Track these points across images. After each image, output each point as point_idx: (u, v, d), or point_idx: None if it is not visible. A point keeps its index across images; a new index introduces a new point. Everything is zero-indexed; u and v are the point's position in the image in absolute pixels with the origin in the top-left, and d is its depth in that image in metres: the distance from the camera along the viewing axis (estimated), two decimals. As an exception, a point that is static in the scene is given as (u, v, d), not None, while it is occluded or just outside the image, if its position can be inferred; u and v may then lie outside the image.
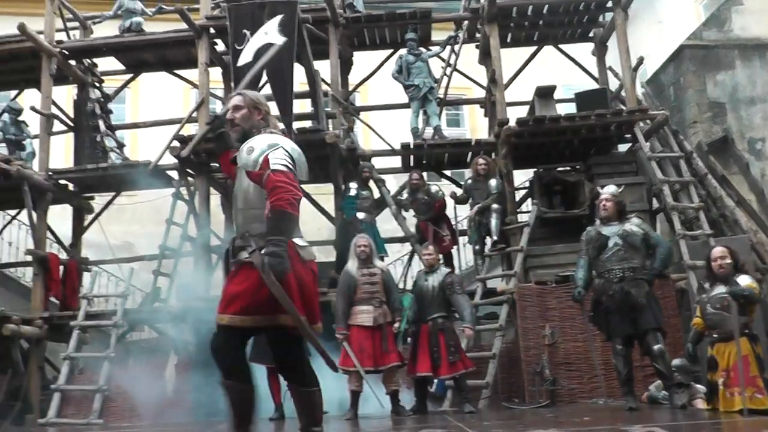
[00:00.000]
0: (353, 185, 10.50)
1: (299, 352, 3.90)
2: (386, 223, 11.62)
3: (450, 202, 11.09)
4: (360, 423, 7.50)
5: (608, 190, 7.32)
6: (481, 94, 13.46)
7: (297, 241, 3.89)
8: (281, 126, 4.30)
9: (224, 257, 4.16)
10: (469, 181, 11.06)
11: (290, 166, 3.87)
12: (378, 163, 11.63)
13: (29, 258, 11.95)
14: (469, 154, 11.74)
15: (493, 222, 10.57)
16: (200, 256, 11.00)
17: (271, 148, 3.86)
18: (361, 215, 10.32)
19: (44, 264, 11.53)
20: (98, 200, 13.07)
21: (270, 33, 10.37)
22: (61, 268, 11.94)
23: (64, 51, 12.40)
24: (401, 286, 10.76)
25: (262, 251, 3.62)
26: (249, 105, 4.07)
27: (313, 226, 12.69)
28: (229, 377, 3.94)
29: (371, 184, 10.91)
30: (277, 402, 8.24)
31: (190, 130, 11.89)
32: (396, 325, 8.16)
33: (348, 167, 11.21)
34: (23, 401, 10.69)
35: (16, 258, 13.57)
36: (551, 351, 9.21)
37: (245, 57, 10.41)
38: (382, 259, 9.22)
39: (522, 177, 12.78)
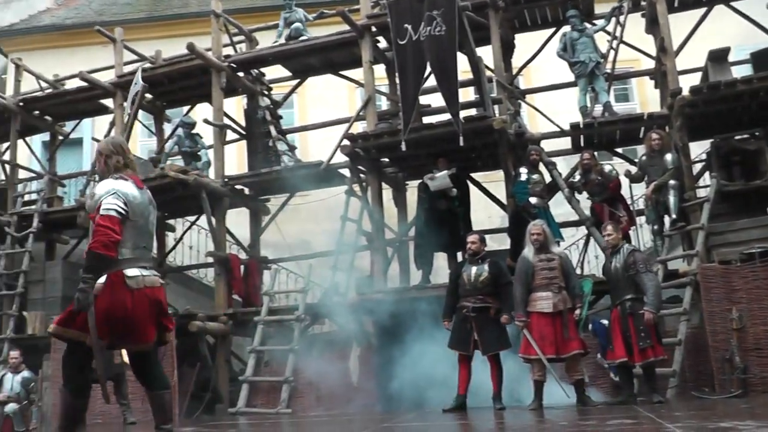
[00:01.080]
0: (523, 170, 10.30)
1: (152, 361, 4.68)
2: (559, 207, 11.35)
3: (624, 182, 10.66)
4: (545, 413, 7.35)
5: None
6: (650, 65, 12.86)
7: (130, 271, 4.47)
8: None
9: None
10: (644, 158, 10.57)
11: (119, 209, 4.43)
12: (547, 145, 11.37)
13: (210, 260, 12.62)
14: (642, 129, 11.25)
15: (671, 199, 10.05)
16: (376, 251, 11.16)
17: (107, 194, 4.46)
18: (533, 200, 10.11)
19: (225, 264, 12.09)
20: (273, 202, 13.59)
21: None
22: (242, 267, 12.51)
23: (232, 64, 12.94)
24: (578, 271, 10.45)
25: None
26: (101, 152, 4.75)
27: (484, 215, 12.60)
28: (66, 386, 4.58)
29: (541, 167, 10.67)
30: (461, 391, 8.19)
31: (357, 128, 12.10)
32: (577, 312, 7.93)
33: (517, 152, 11.03)
34: (213, 392, 11.26)
35: (197, 260, 14.37)
36: (740, 336, 8.57)
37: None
38: (558, 244, 9.01)
39: (698, 149, 12.09)
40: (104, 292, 4.39)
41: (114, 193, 4.47)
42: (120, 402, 9.38)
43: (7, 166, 14.88)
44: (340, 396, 10.23)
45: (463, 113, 10.48)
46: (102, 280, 4.40)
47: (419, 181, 10.81)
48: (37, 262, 14.01)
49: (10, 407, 10.48)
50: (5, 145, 15.18)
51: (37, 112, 15.30)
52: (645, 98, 16.49)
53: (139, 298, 4.48)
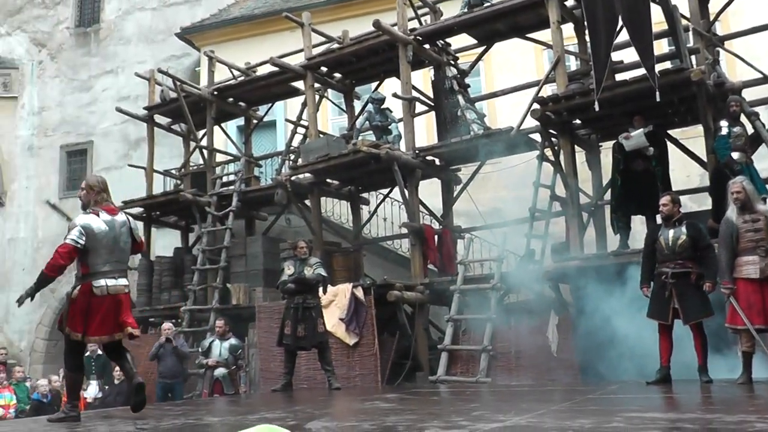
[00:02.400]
0: (724, 123, 9.58)
1: (121, 352, 6.42)
2: (764, 161, 10.49)
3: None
4: (755, 388, 6.85)
5: None
6: None
7: (96, 282, 6.04)
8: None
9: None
10: None
11: (76, 239, 5.96)
12: (748, 94, 10.60)
13: (404, 230, 12.77)
14: None
15: None
16: (570, 216, 10.83)
17: (74, 228, 6.03)
18: (735, 155, 9.41)
19: (420, 235, 12.18)
20: (464, 171, 13.54)
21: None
22: (436, 237, 12.56)
23: (418, 37, 12.92)
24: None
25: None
26: (88, 187, 6.31)
27: (682, 174, 11.93)
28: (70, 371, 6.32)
29: (743, 119, 9.90)
30: (664, 363, 7.78)
31: (547, 91, 11.75)
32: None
33: (716, 105, 10.27)
34: (413, 360, 11.41)
35: (392, 232, 14.59)
36: None
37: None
38: (764, 201, 8.31)
39: None
40: (79, 298, 6.05)
41: (78, 228, 6.00)
42: (324, 368, 9.71)
43: (205, 151, 15.81)
44: (539, 366, 10.08)
45: (658, 67, 9.88)
46: (78, 288, 6.06)
47: (613, 141, 10.35)
48: (237, 238, 14.84)
49: (219, 372, 11.14)
50: (202, 131, 16.13)
51: (231, 99, 16.18)
52: None
53: (102, 302, 6.06)
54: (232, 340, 11.55)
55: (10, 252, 21.10)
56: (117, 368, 12.42)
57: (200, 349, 11.69)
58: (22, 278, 20.27)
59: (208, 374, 11.31)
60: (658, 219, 8.38)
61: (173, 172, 17.37)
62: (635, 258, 8.70)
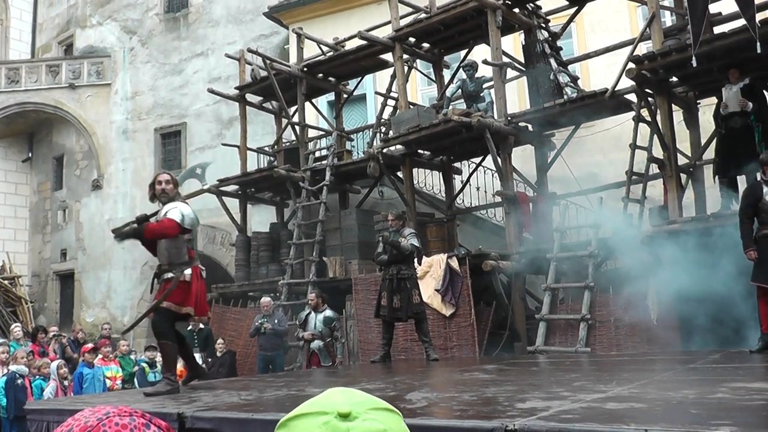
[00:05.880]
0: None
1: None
2: None
3: None
4: None
5: None
6: None
7: (201, 266, 6.75)
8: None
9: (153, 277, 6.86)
10: None
11: (180, 219, 6.40)
12: None
13: (498, 199, 12.63)
14: None
15: None
16: (668, 179, 10.49)
17: (170, 209, 6.48)
18: None
19: (514, 202, 12.03)
20: (558, 136, 13.27)
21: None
22: (530, 204, 12.38)
23: (507, 1, 12.69)
24: None
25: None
26: (173, 182, 6.77)
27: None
28: (161, 339, 6.65)
29: None
30: (765, 330, 7.47)
31: (642, 49, 11.37)
32: None
33: None
34: (510, 330, 11.32)
35: (485, 201, 14.45)
36: None
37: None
38: None
39: None
40: (193, 279, 6.53)
41: (179, 210, 6.45)
42: (422, 339, 9.74)
43: (297, 128, 15.97)
44: (639, 334, 9.85)
45: (758, 16, 9.40)
46: (188, 271, 6.52)
47: (711, 98, 9.94)
48: (332, 211, 15.00)
49: (316, 344, 11.31)
50: (293, 108, 16.29)
51: (320, 75, 16.25)
52: None
53: (203, 285, 6.74)
54: (327, 312, 11.70)
55: (108, 232, 21.93)
56: (219, 341, 12.82)
57: (297, 322, 11.90)
58: (122, 256, 21.11)
59: (305, 347, 11.51)
60: (758, 176, 8.01)
61: (266, 149, 17.65)
62: (737, 219, 8.36)
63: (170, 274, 6.51)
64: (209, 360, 13.07)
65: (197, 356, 12.95)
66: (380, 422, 1.17)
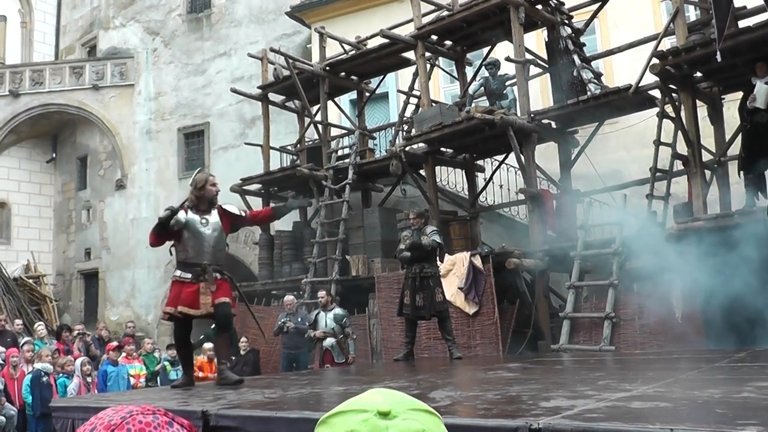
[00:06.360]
0: None
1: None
2: None
3: None
4: None
5: None
6: None
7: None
8: None
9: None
10: None
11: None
12: None
13: (522, 197, 12.59)
14: None
15: None
16: (693, 175, 10.40)
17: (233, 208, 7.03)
18: None
19: (538, 200, 11.98)
20: (581, 133, 13.21)
21: None
22: (554, 202, 12.32)
23: (530, -2, 12.65)
24: None
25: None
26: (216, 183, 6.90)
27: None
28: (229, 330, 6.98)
29: None
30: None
31: (666, 45, 11.27)
32: None
33: None
34: (534, 328, 11.28)
35: (508, 198, 14.41)
36: None
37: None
38: None
39: None
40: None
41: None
42: (445, 338, 9.71)
43: (320, 126, 15.99)
44: (664, 333, 9.78)
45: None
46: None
47: (736, 93, 9.83)
48: (355, 210, 15.02)
49: (328, 342, 11.34)
50: (316, 107, 16.32)
51: (343, 73, 16.29)
52: None
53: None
54: (337, 310, 11.73)
55: (133, 231, 22.15)
56: (243, 339, 12.88)
57: (307, 323, 11.85)
58: (146, 255, 21.25)
59: (318, 346, 11.55)
60: None
61: (289, 148, 17.71)
62: (763, 216, 8.27)
63: (222, 275, 6.70)
64: (233, 358, 13.14)
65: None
66: (419, 422, 1.17)
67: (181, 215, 6.58)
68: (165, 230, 6.56)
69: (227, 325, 6.80)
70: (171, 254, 6.80)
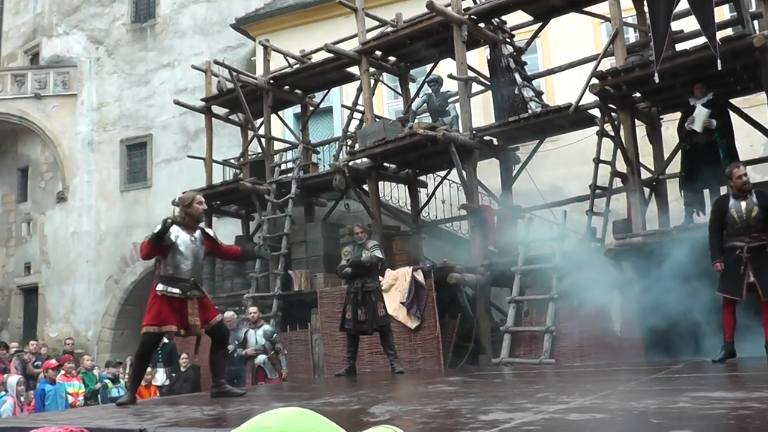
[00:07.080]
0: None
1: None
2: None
3: None
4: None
5: None
6: None
7: None
8: None
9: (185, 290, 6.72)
10: None
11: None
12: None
13: (463, 212, 12.68)
14: None
15: None
16: (632, 192, 10.61)
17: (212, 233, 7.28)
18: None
19: (479, 216, 12.08)
20: (522, 150, 13.37)
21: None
22: (495, 218, 12.43)
23: (472, 16, 12.73)
24: None
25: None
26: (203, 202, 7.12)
27: (746, 144, 11.56)
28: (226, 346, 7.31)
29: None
30: (728, 338, 7.56)
31: (605, 65, 11.50)
32: None
33: (780, 70, 9.94)
34: (475, 342, 11.35)
35: (450, 214, 14.51)
36: None
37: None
38: None
39: None
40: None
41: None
42: (387, 352, 9.71)
43: (263, 140, 15.90)
44: (603, 346, 9.92)
45: (719, 34, 9.58)
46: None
47: (674, 113, 10.07)
48: (297, 224, 14.95)
49: (260, 359, 11.27)
50: (260, 120, 16.21)
51: (287, 87, 16.24)
52: None
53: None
54: (266, 327, 11.67)
55: (74, 244, 21.71)
56: (183, 356, 12.68)
57: (236, 341, 11.66)
58: (86, 270, 20.84)
59: (249, 363, 11.46)
60: (722, 190, 8.13)
61: (232, 161, 17.58)
62: (700, 232, 8.46)
63: (201, 292, 6.81)
64: (173, 375, 12.93)
65: (161, 371, 12.87)
66: None
67: (173, 230, 6.62)
68: (161, 242, 6.57)
69: (227, 343, 7.26)
70: (156, 267, 6.81)
